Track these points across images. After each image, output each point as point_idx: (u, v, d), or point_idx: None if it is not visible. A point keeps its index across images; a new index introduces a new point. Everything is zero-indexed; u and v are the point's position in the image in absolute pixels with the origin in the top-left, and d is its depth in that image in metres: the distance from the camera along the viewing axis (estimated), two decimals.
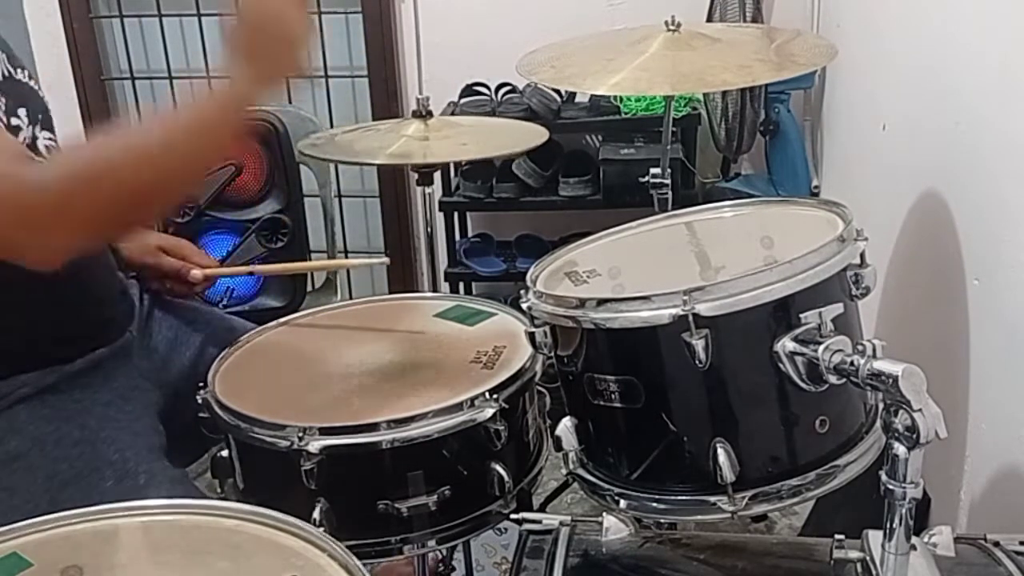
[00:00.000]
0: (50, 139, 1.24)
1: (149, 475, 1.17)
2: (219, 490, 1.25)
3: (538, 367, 1.24)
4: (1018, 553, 0.98)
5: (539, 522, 1.07)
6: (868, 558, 0.93)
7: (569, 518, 1.07)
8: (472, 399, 1.14)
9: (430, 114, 1.63)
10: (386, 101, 2.90)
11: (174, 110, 1.09)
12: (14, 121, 1.16)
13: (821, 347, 0.92)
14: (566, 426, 1.10)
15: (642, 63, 1.43)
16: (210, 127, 1.04)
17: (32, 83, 1.27)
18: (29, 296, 1.17)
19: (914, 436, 0.80)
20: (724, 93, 2.48)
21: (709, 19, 2.44)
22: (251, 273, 1.46)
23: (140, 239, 1.46)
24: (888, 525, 0.85)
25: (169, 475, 1.20)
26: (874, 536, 0.92)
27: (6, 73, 1.21)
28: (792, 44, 1.56)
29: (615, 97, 2.60)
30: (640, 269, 1.23)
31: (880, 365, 0.84)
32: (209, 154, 1.09)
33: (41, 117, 1.24)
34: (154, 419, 1.29)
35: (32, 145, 1.20)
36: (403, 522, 1.13)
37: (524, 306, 1.09)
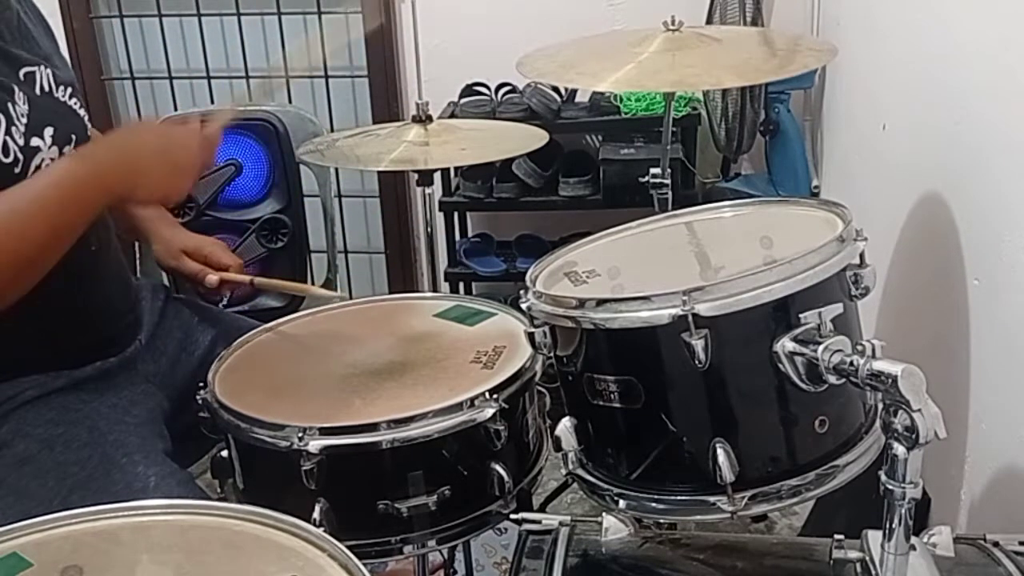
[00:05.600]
0: None
1: (159, 478, 1.17)
2: (219, 490, 1.25)
3: (538, 367, 1.24)
4: (1017, 553, 0.98)
5: (539, 522, 1.07)
6: (868, 558, 0.93)
7: (569, 518, 1.07)
8: (472, 399, 1.14)
9: (430, 119, 1.63)
10: (386, 101, 2.90)
11: (57, 174, 1.12)
12: (34, 141, 1.15)
13: (820, 347, 0.92)
14: (566, 426, 1.10)
15: (642, 62, 1.42)
16: (80, 202, 1.11)
17: (73, 102, 1.26)
18: (41, 308, 1.17)
19: (913, 436, 0.80)
20: (724, 93, 2.48)
21: (709, 20, 2.44)
22: (250, 284, 1.50)
23: (168, 240, 1.48)
24: (887, 525, 0.85)
25: (177, 478, 1.20)
26: (873, 536, 0.92)
27: (45, 88, 1.21)
28: (792, 45, 1.56)
29: (615, 97, 2.61)
30: (640, 269, 1.23)
31: (879, 365, 0.84)
32: (73, 224, 1.12)
33: (75, 138, 1.23)
34: (159, 424, 1.30)
35: None
36: (403, 522, 1.14)
37: (524, 306, 1.09)
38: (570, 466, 1.11)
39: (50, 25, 1.34)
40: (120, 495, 1.12)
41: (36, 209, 1.07)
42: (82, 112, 1.28)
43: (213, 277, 1.45)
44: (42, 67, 1.21)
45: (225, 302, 1.58)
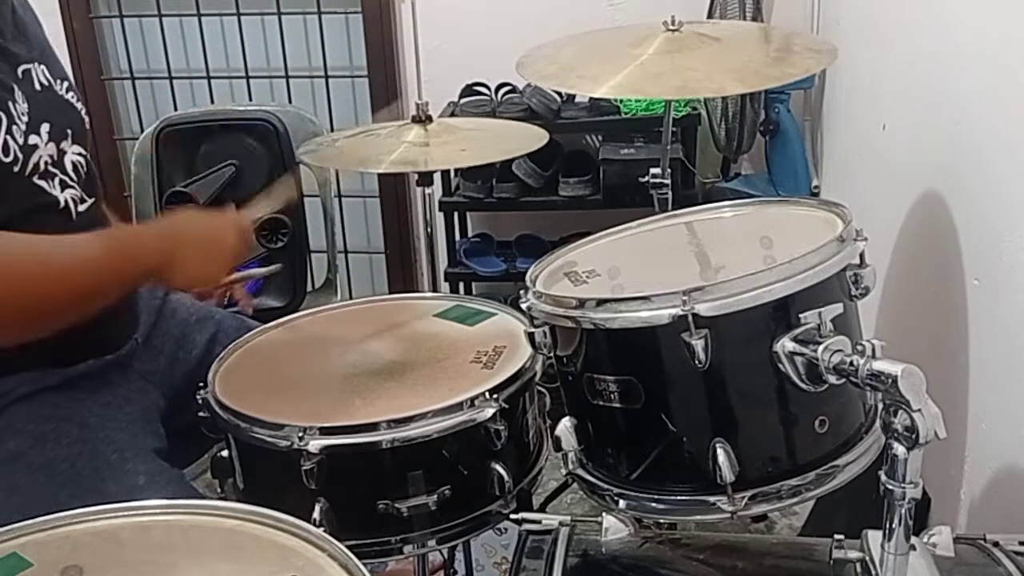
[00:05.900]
0: (80, 154, 1.24)
1: (148, 476, 1.17)
2: (219, 490, 1.25)
3: (538, 367, 1.24)
4: (1017, 553, 0.98)
5: (539, 522, 1.07)
6: (868, 558, 0.93)
7: (569, 518, 1.07)
8: (472, 399, 1.14)
9: (430, 119, 1.63)
10: (386, 101, 2.90)
11: (100, 243, 1.16)
12: (32, 139, 1.15)
13: (820, 347, 0.92)
14: (566, 426, 1.10)
15: (643, 65, 1.42)
16: (117, 275, 1.15)
17: (70, 96, 1.26)
18: None
19: (913, 436, 0.80)
20: None
21: (709, 19, 2.44)
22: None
23: None
24: (887, 525, 0.85)
25: (167, 476, 1.19)
26: (873, 536, 0.92)
27: (44, 83, 1.21)
28: (792, 46, 1.56)
29: (615, 97, 2.60)
30: (640, 269, 1.23)
31: (879, 365, 0.84)
32: (104, 294, 1.15)
33: (71, 132, 1.23)
34: (154, 422, 1.29)
35: (58, 161, 1.19)
36: (403, 522, 1.14)
37: (524, 306, 1.09)
38: (570, 466, 1.11)
39: (44, 24, 1.34)
40: (110, 492, 1.12)
41: (72, 265, 1.10)
42: (79, 105, 1.28)
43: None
44: (37, 63, 1.21)
45: (225, 302, 1.58)
